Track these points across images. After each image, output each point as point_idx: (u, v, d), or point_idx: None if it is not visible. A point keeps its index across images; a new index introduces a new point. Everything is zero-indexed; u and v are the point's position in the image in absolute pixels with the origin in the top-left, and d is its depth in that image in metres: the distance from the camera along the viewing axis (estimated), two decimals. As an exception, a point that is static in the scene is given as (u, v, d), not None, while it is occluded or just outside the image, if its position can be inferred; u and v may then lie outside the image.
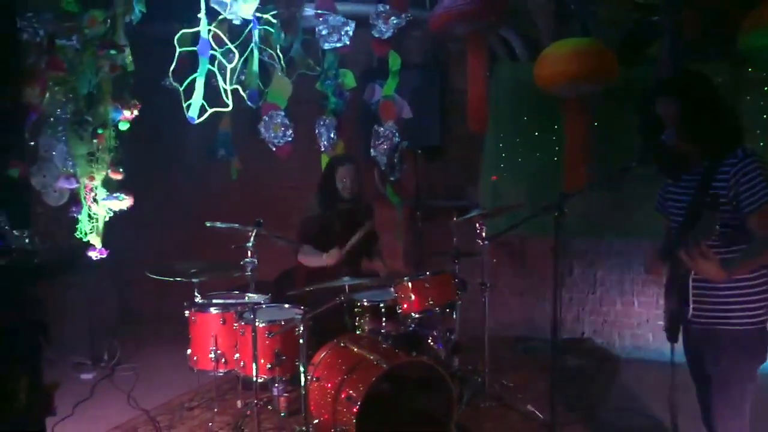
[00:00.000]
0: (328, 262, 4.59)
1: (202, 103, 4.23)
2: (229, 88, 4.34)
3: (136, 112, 4.43)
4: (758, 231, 2.50)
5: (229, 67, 4.30)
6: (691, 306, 2.62)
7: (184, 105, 4.25)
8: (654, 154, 2.78)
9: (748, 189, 2.50)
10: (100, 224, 4.48)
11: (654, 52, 5.31)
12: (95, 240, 4.44)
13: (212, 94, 4.49)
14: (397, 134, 5.48)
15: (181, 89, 4.40)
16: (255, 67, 4.91)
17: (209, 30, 4.26)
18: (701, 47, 4.97)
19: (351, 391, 3.58)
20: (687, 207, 2.68)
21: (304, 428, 3.72)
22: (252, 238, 3.95)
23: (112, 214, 4.56)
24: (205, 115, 4.39)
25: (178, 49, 4.25)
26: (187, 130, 5.33)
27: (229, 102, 4.42)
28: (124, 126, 4.42)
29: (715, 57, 4.91)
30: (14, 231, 2.82)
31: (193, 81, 4.26)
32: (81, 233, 4.49)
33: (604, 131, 5.25)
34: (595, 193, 5.30)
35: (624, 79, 4.87)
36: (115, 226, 4.91)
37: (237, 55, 4.37)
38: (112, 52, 4.16)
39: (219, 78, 4.41)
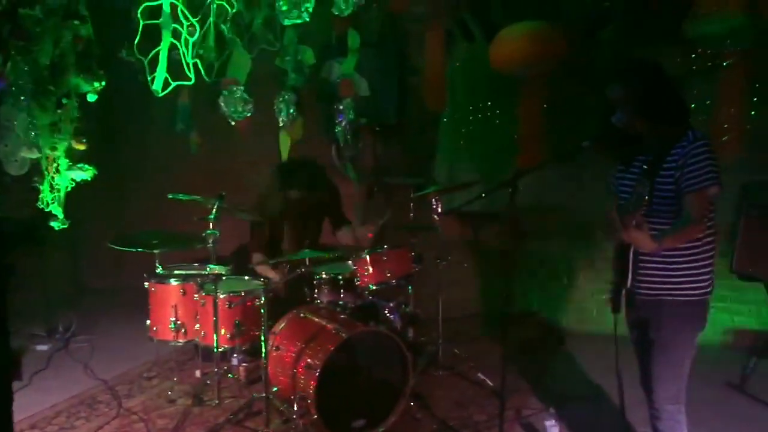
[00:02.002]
0: (274, 277, 4.62)
1: (166, 76, 4.25)
2: (190, 61, 4.35)
3: (103, 83, 4.41)
4: (688, 210, 2.67)
5: (191, 40, 4.32)
6: (630, 277, 2.77)
7: (149, 78, 4.26)
8: (609, 138, 2.91)
9: (692, 171, 2.64)
10: (62, 195, 4.46)
11: (607, 36, 5.50)
12: (57, 210, 4.42)
13: (176, 68, 4.50)
14: (355, 112, 5.56)
15: (145, 62, 4.40)
16: (211, 41, 4.92)
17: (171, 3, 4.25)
18: (652, 31, 5.16)
19: (310, 360, 3.70)
20: (634, 185, 2.80)
21: (264, 395, 3.84)
22: (214, 211, 4.01)
23: (74, 185, 4.54)
24: (169, 88, 4.40)
25: (141, 22, 4.24)
26: (147, 102, 5.32)
27: (192, 75, 4.44)
28: (92, 98, 4.39)
29: (665, 41, 5.09)
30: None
31: (157, 54, 4.26)
32: (43, 203, 4.47)
33: (558, 112, 5.41)
34: (547, 171, 5.48)
35: (577, 62, 5.04)
36: (72, 197, 4.88)
37: (198, 29, 4.39)
38: (76, 22, 4.14)
39: (182, 51, 4.41)
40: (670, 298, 2.77)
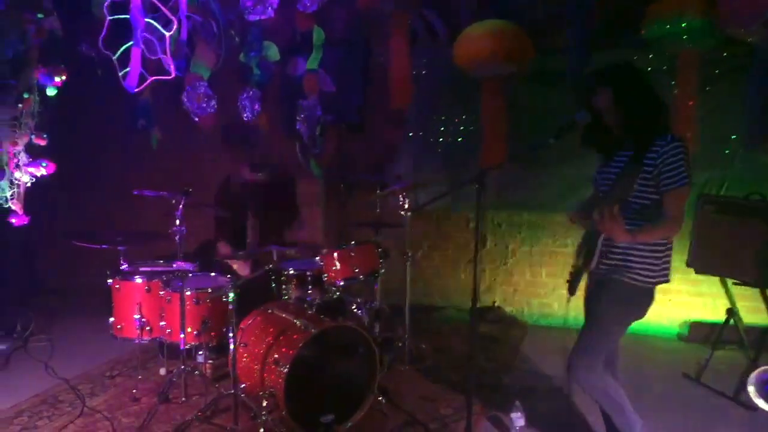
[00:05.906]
0: (238, 269, 4.71)
1: (142, 72, 4.18)
2: (169, 56, 4.31)
3: (64, 77, 4.31)
4: (666, 208, 2.82)
5: (168, 35, 4.26)
6: (596, 258, 2.96)
7: (120, 74, 4.18)
8: (591, 137, 3.08)
9: (669, 170, 2.79)
10: (22, 190, 4.35)
11: (564, 40, 5.61)
12: (17, 206, 4.31)
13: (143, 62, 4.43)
14: (319, 108, 5.57)
15: (115, 58, 4.33)
16: (182, 35, 4.87)
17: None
18: (609, 35, 5.28)
19: (279, 355, 3.70)
20: (614, 178, 2.97)
21: (231, 392, 3.82)
22: (180, 207, 3.99)
23: (34, 181, 4.43)
24: (145, 84, 4.34)
25: (107, 17, 4.17)
26: (107, 97, 5.22)
27: (171, 70, 4.39)
28: (52, 92, 4.29)
29: (622, 45, 5.22)
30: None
31: (125, 49, 4.20)
32: (1, 199, 4.35)
33: (519, 111, 5.50)
34: (509, 169, 5.58)
35: (539, 63, 5.13)
36: (29, 193, 4.77)
37: (177, 24, 4.34)
38: (39, 15, 4.05)
39: (157, 47, 4.36)
40: (619, 278, 2.95)
